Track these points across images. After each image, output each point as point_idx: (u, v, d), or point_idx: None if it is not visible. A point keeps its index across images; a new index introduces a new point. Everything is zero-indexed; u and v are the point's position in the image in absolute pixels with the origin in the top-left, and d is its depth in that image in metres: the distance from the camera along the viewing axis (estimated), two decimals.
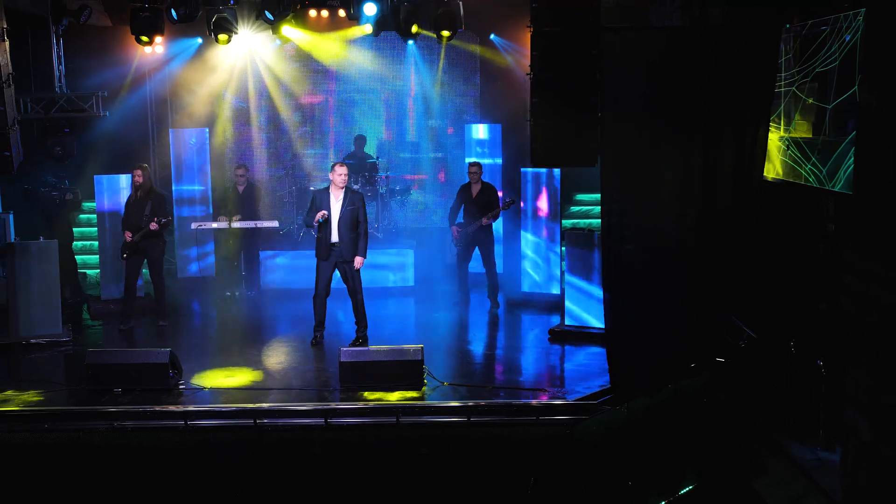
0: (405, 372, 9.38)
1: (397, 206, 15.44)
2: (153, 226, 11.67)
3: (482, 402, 8.90)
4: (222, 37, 12.29)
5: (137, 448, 8.61)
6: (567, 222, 14.48)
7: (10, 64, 9.33)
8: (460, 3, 12.15)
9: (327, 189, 10.76)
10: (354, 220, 10.67)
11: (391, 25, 12.21)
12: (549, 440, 8.63)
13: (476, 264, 12.90)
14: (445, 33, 12.04)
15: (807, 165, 8.44)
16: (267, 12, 10.78)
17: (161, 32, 11.74)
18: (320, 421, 8.68)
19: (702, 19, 11.08)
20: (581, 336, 11.08)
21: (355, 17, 10.88)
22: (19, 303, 11.13)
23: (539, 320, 12.15)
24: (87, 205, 14.45)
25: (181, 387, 9.41)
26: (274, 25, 11.62)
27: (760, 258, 10.16)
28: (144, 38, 11.62)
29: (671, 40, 9.29)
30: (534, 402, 8.94)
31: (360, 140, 15.38)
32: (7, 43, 9.23)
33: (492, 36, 14.89)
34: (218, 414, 8.78)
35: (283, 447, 8.58)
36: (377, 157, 15.35)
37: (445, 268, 13.54)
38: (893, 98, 6.61)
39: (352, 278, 10.81)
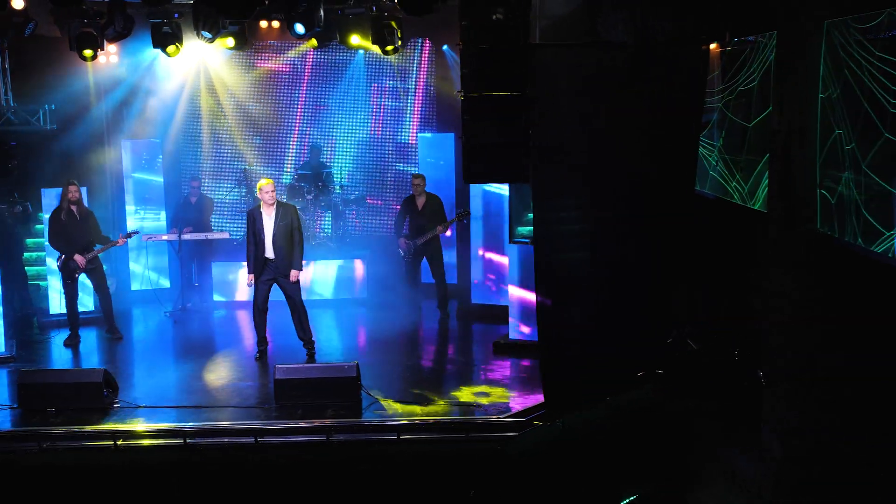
0: (340, 389, 9.41)
1: (351, 216, 15.43)
2: (121, 241, 11.87)
3: (413, 420, 8.91)
4: (171, 49, 12.25)
5: (68, 469, 8.59)
6: (523, 229, 14.47)
7: None
8: (397, 17, 12.11)
9: (260, 207, 10.83)
10: (289, 233, 10.72)
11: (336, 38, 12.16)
12: (482, 457, 8.67)
13: (428, 275, 12.94)
14: (389, 48, 12.04)
15: (732, 182, 8.49)
16: (204, 32, 10.71)
17: (101, 47, 11.65)
18: (250, 440, 8.68)
19: (643, 32, 11.12)
20: (525, 348, 11.09)
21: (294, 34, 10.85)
22: None
23: (489, 331, 12.14)
24: (42, 215, 14.38)
25: (116, 405, 9.40)
26: (214, 42, 11.56)
27: (699, 269, 10.25)
28: (87, 53, 11.55)
29: (602, 57, 9.33)
30: (464, 419, 8.96)
31: (315, 150, 15.38)
32: None
33: (444, 47, 14.88)
34: (148, 434, 8.76)
35: (212, 466, 8.58)
36: (331, 167, 15.35)
37: (398, 278, 13.55)
38: (801, 122, 6.67)
39: (291, 292, 10.82)
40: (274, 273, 10.79)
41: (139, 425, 8.91)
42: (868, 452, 6.29)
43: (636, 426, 9.67)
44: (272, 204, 10.74)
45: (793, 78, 6.81)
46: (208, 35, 10.87)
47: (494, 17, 8.17)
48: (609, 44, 10.06)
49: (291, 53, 15.27)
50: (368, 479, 8.59)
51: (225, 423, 8.92)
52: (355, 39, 11.64)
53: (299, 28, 9.99)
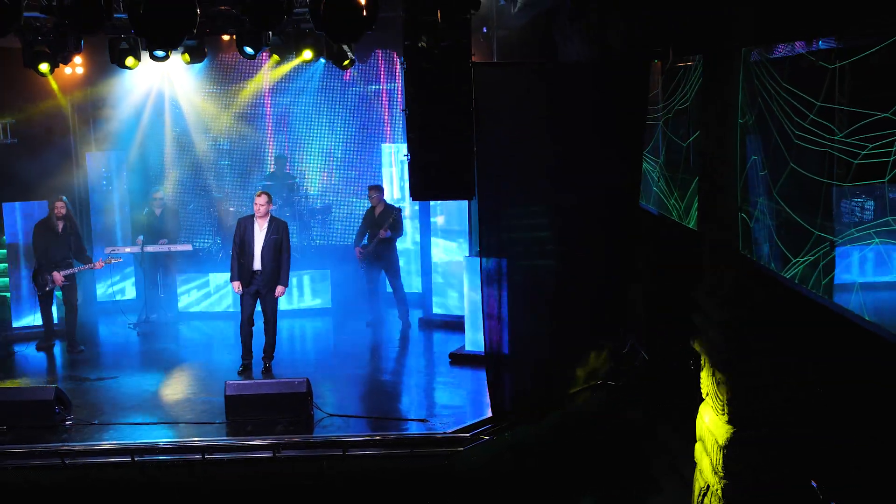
0: (291, 404, 9.49)
1: (317, 226, 15.52)
2: (99, 264, 12.06)
3: (358, 436, 9.01)
4: (129, 62, 12.27)
5: (15, 489, 8.67)
6: None
7: None
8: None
9: (252, 217, 10.89)
10: (277, 248, 10.83)
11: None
12: (428, 472, 8.78)
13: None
14: (346, 62, 12.11)
15: (671, 199, 8.61)
16: (156, 52, 10.76)
17: (58, 63, 11.67)
18: (198, 457, 8.76)
19: (597, 44, 11.24)
20: (481, 359, 11.15)
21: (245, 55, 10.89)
22: None
23: (449, 341, 12.24)
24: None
25: (68, 423, 9.47)
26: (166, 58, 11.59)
27: (648, 282, 10.38)
28: (44, 69, 11.54)
29: (543, 74, 9.48)
30: (410, 434, 9.06)
31: (281, 160, 15.46)
32: None
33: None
34: (95, 452, 8.84)
35: (160, 484, 8.68)
36: (296, 178, 15.43)
37: (363, 288, 13.65)
38: (723, 146, 6.78)
39: (269, 307, 10.94)
40: (258, 285, 10.87)
41: (87, 443, 8.98)
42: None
43: (586, 437, 9.81)
44: (264, 216, 10.84)
45: (716, 101, 6.93)
46: (161, 54, 10.90)
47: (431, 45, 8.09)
48: (548, 62, 10.22)
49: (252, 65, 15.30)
50: (315, 495, 8.70)
51: (173, 440, 9.01)
52: (308, 55, 11.69)
53: (248, 49, 10.04)
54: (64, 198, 12.19)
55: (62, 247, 11.95)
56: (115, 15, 8.97)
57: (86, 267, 12.14)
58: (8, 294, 13.43)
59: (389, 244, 12.76)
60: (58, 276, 11.83)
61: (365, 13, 8.16)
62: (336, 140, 15.82)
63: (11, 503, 8.62)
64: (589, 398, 10.37)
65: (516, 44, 12.89)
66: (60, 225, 11.96)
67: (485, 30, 12.75)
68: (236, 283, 10.92)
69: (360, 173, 15.76)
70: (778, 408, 6.61)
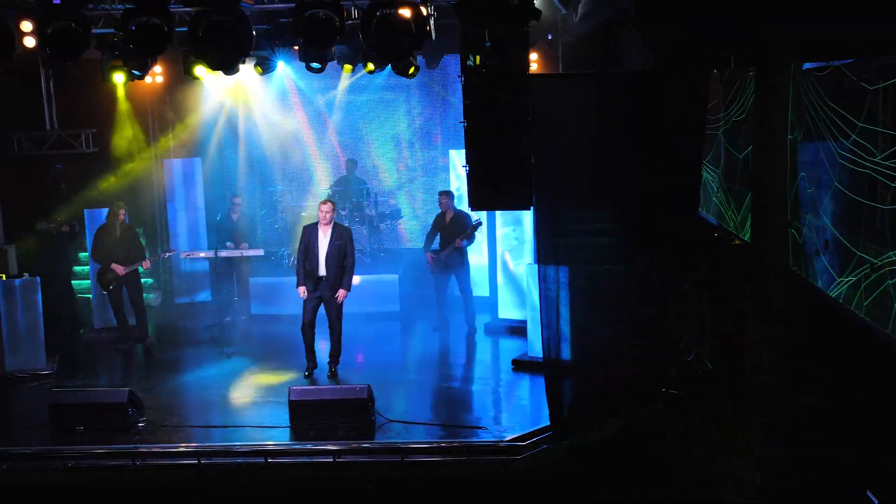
0: (352, 410, 9.70)
1: (386, 230, 15.73)
2: (146, 264, 12.42)
3: (418, 442, 9.16)
4: (199, 71, 12.60)
5: (90, 488, 9.06)
6: None
7: None
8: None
9: (317, 224, 11.16)
10: (341, 254, 11.07)
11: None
12: (483, 480, 8.89)
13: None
14: (410, 70, 12.25)
15: (728, 211, 8.55)
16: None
17: (132, 77, 12.06)
18: (261, 460, 9.03)
19: (659, 51, 11.20)
20: (543, 366, 11.23)
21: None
22: (3, 339, 11.68)
23: (513, 347, 12.34)
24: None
25: (140, 424, 9.85)
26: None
27: (710, 289, 10.29)
28: (117, 81, 11.89)
29: (602, 84, 9.48)
30: (467, 441, 9.18)
31: (351, 164, 15.72)
32: None
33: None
34: (164, 454, 9.19)
35: (224, 487, 8.96)
36: (366, 182, 15.66)
37: (431, 293, 13.81)
38: (775, 161, 6.74)
39: (333, 312, 11.18)
40: (323, 291, 11.13)
41: (157, 445, 9.33)
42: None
43: (645, 447, 9.77)
44: (328, 224, 11.11)
45: (767, 115, 6.88)
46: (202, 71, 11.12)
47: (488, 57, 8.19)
48: (606, 73, 10.21)
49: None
50: (374, 500, 8.88)
51: (238, 444, 9.30)
52: (371, 66, 11.88)
53: (314, 64, 10.27)
54: (122, 203, 12.64)
55: (122, 246, 12.43)
56: (178, 29, 9.32)
57: (136, 265, 12.49)
58: (90, 295, 14.01)
59: (461, 251, 12.90)
60: (118, 267, 12.33)
61: (414, 33, 8.28)
62: (406, 145, 16.00)
63: (86, 501, 8.98)
64: (649, 407, 10.33)
65: (580, 51, 12.89)
66: (118, 227, 12.44)
67: (549, 37, 12.79)
68: (301, 289, 11.17)
69: (430, 178, 15.91)
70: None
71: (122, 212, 12.51)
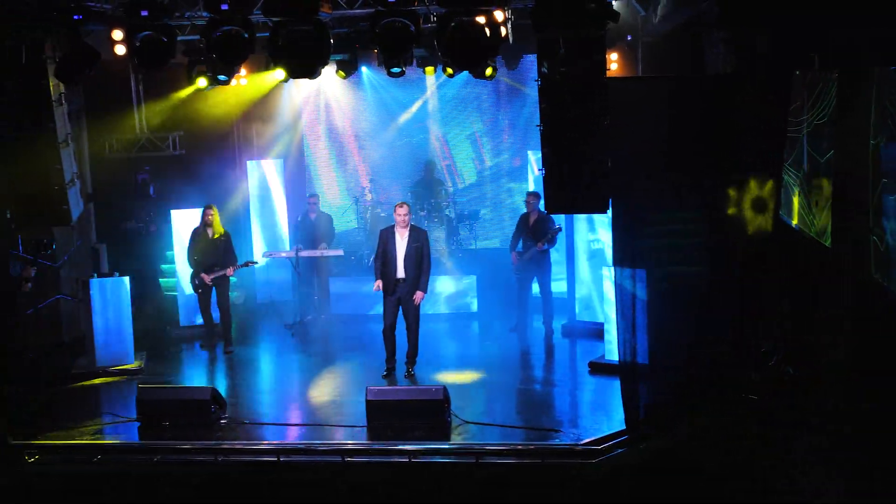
0: (428, 410, 9.79)
1: (464, 231, 15.81)
2: (230, 272, 12.68)
3: (492, 444, 9.21)
4: (279, 74, 12.82)
5: (175, 481, 9.33)
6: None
7: (67, 125, 10.21)
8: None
9: (394, 227, 11.31)
10: (419, 256, 11.20)
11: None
12: (558, 483, 8.90)
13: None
14: (488, 71, 12.28)
15: (810, 215, 8.40)
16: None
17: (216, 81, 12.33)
18: (339, 459, 9.20)
19: (743, 51, 11.05)
20: (619, 369, 11.18)
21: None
22: (95, 335, 12.10)
23: (590, 349, 12.32)
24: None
25: (222, 421, 10.11)
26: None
27: (791, 293, 10.13)
28: (201, 84, 12.20)
29: (680, 88, 9.41)
30: (542, 444, 9.19)
31: (430, 166, 15.83)
32: (64, 106, 10.10)
33: None
34: (246, 451, 9.41)
35: (303, 484, 9.14)
36: (445, 183, 15.76)
37: (509, 293, 13.87)
38: (856, 165, 6.62)
39: (411, 313, 11.32)
40: (401, 293, 11.28)
41: (238, 442, 9.55)
42: None
43: (724, 452, 9.65)
44: (405, 227, 11.26)
45: (849, 120, 6.75)
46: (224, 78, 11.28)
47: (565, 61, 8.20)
48: (686, 77, 10.11)
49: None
50: (448, 501, 8.96)
51: (316, 442, 9.47)
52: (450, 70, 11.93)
53: (394, 69, 10.37)
54: (212, 205, 12.89)
55: (212, 251, 12.71)
56: (260, 34, 9.54)
57: (223, 272, 12.77)
58: (175, 293, 14.40)
59: (544, 253, 12.91)
60: (206, 276, 12.63)
61: (489, 40, 8.33)
62: (483, 145, 16.05)
63: (170, 494, 9.26)
64: (728, 412, 10.20)
65: (661, 51, 12.78)
66: (210, 231, 12.72)
67: (629, 38, 12.70)
68: (378, 283, 11.31)
69: (508, 179, 15.94)
70: None
71: (208, 212, 12.76)
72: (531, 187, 14.47)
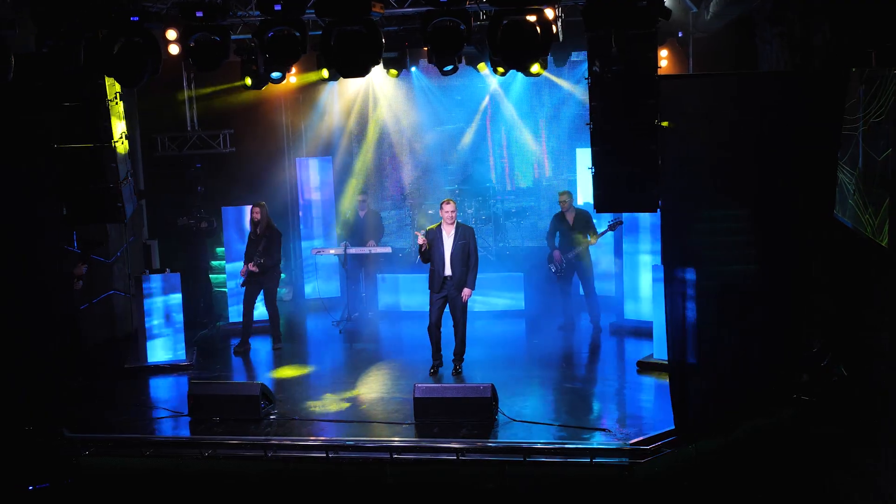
0: (475, 408, 9.82)
1: (511, 229, 15.79)
2: (252, 267, 12.71)
3: (540, 443, 9.19)
4: (327, 73, 12.93)
5: (225, 475, 9.45)
6: None
7: (122, 123, 10.37)
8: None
9: (440, 226, 11.33)
10: (466, 254, 11.22)
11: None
12: (607, 483, 8.87)
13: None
14: (535, 70, 12.23)
15: (865, 214, 8.26)
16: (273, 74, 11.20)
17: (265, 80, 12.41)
18: (387, 456, 9.24)
19: (798, 47, 10.91)
20: (668, 368, 11.09)
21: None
22: (147, 330, 12.28)
23: (638, 348, 12.26)
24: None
25: (272, 417, 10.21)
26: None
27: (847, 293, 9.99)
28: (248, 81, 12.32)
29: (733, 85, 9.31)
30: (590, 444, 9.15)
31: (476, 164, 15.82)
32: (120, 105, 10.27)
33: None
34: (295, 447, 9.49)
35: (351, 480, 9.22)
36: (490, 181, 15.75)
37: (556, 292, 13.84)
38: None
39: (458, 310, 11.34)
40: (448, 290, 11.31)
41: (288, 438, 9.65)
42: None
43: (775, 454, 9.56)
44: (452, 224, 11.29)
45: None
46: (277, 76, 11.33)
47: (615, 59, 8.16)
48: (738, 74, 10.00)
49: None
50: (494, 498, 8.97)
51: (365, 439, 9.53)
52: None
53: (447, 68, 10.34)
54: (259, 203, 12.96)
55: (253, 247, 12.80)
56: (312, 32, 9.62)
57: (251, 268, 12.76)
58: (226, 289, 14.56)
59: (586, 251, 12.86)
60: (250, 266, 12.71)
61: (540, 38, 8.31)
62: (531, 143, 15.99)
63: (221, 488, 9.38)
64: (780, 413, 10.10)
65: (713, 48, 12.67)
66: (258, 229, 12.82)
67: (680, 34, 12.59)
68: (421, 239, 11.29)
69: (555, 176, 15.88)
70: None
71: (254, 210, 12.85)
72: (580, 185, 14.40)
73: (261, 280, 12.83)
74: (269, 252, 12.80)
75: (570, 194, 12.94)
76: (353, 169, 16.14)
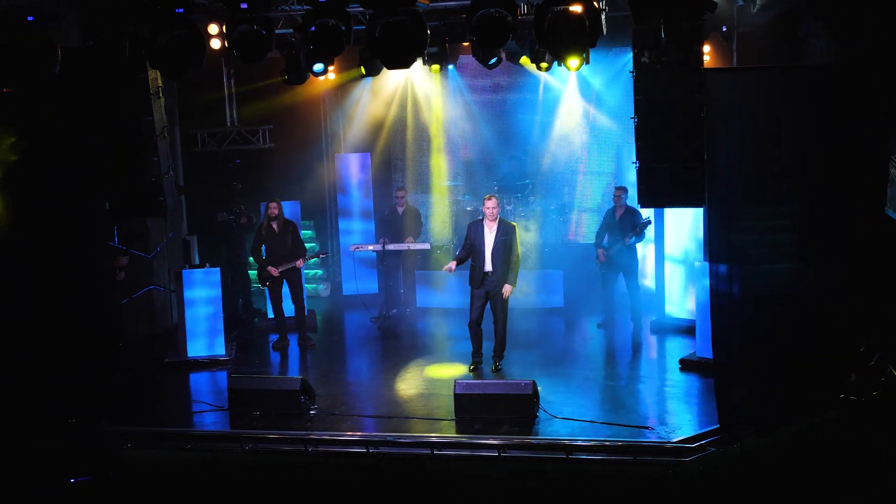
0: (517, 405, 9.73)
1: (551, 226, 15.68)
2: (300, 263, 12.70)
3: (582, 440, 9.10)
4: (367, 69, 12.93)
5: (266, 469, 9.45)
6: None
7: (164, 118, 10.40)
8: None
9: (482, 221, 11.26)
10: (507, 250, 11.12)
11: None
12: (650, 481, 8.76)
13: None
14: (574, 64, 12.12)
15: None
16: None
17: (304, 75, 12.41)
18: (427, 452, 9.19)
19: (845, 40, 10.74)
20: (712, 366, 10.95)
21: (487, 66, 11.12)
22: (186, 325, 12.32)
23: (680, 346, 12.15)
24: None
25: (312, 412, 10.20)
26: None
27: (888, 292, 9.80)
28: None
29: (779, 78, 9.16)
30: (633, 441, 9.04)
31: (514, 160, 15.74)
32: (162, 100, 10.30)
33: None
34: (336, 441, 9.47)
35: (390, 476, 9.17)
36: (531, 178, 15.65)
37: (596, 288, 13.73)
38: None
39: (499, 307, 11.26)
40: (489, 286, 11.23)
41: (328, 433, 9.61)
42: None
43: (822, 455, 9.40)
44: (494, 220, 11.20)
45: None
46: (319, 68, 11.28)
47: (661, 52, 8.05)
48: (786, 66, 9.84)
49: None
50: (536, 496, 8.89)
51: (405, 434, 9.49)
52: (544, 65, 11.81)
53: (492, 62, 10.29)
54: (276, 199, 12.92)
55: (280, 244, 12.74)
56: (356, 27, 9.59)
57: (292, 264, 12.72)
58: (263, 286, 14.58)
59: (631, 248, 12.75)
60: (273, 270, 12.67)
61: (588, 30, 8.22)
62: (572, 139, 15.88)
63: (261, 483, 9.37)
64: (827, 412, 9.92)
65: (758, 42, 12.50)
66: (275, 224, 12.76)
67: (724, 28, 12.43)
68: (452, 263, 11.33)
69: (596, 173, 15.76)
70: None
71: (272, 205, 12.74)
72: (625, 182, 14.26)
73: (285, 277, 12.81)
74: (301, 244, 12.79)
75: (624, 190, 12.80)
76: (391, 164, 16.11)
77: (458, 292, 14.23)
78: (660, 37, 8.27)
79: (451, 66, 14.80)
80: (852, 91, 8.90)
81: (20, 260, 10.33)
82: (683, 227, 12.82)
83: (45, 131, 9.87)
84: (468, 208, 15.52)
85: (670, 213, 12.98)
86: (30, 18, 8.90)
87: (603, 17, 9.66)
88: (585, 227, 15.72)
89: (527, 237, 15.27)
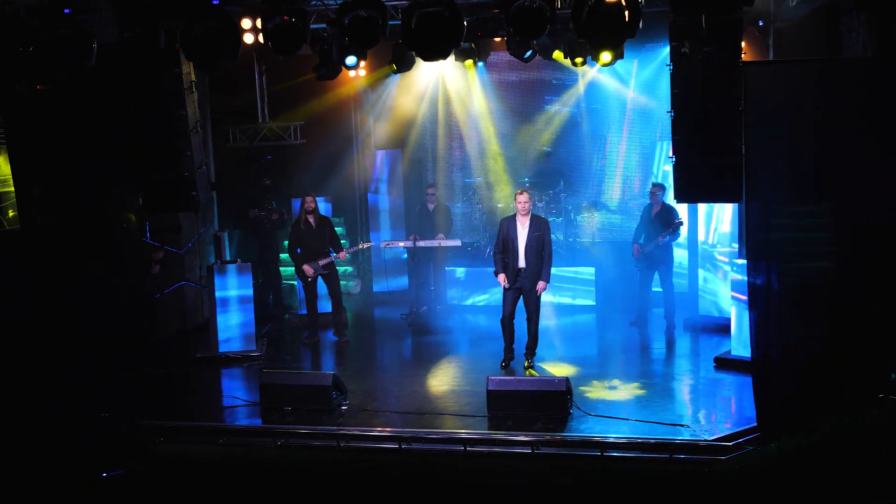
0: (550, 402, 9.65)
1: (583, 223, 15.59)
2: (343, 255, 12.62)
3: (617, 438, 9.00)
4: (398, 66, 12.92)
5: (297, 464, 9.42)
6: None
7: (197, 112, 10.39)
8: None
9: (514, 217, 11.18)
10: (540, 245, 11.02)
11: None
12: (687, 479, 8.65)
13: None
14: (607, 59, 12.00)
15: None
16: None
17: (337, 70, 12.38)
18: (460, 448, 9.12)
19: (885, 34, 10.56)
20: (748, 365, 10.79)
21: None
22: (218, 320, 12.33)
23: (715, 344, 12.02)
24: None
25: (343, 407, 10.16)
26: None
27: None
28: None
29: (819, 71, 9.00)
30: (669, 439, 8.92)
31: (547, 155, 15.65)
32: (196, 95, 10.29)
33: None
34: (368, 437, 9.42)
35: (423, 472, 9.11)
36: (564, 173, 15.57)
37: (628, 286, 13.60)
38: None
39: (532, 304, 11.17)
40: (522, 282, 11.15)
41: (360, 429, 9.57)
42: None
43: (862, 454, 9.24)
44: (526, 215, 11.10)
45: None
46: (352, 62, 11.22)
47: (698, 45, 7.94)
48: (825, 59, 9.68)
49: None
50: (570, 493, 8.79)
51: (438, 431, 9.42)
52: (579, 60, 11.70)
53: (527, 55, 10.20)
54: (311, 193, 12.85)
55: (317, 239, 12.69)
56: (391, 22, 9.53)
57: (335, 256, 12.68)
58: (295, 282, 14.58)
59: (666, 246, 12.63)
60: (307, 268, 12.63)
61: (627, 20, 8.11)
62: (604, 135, 15.77)
63: (292, 478, 9.34)
64: (866, 412, 9.77)
65: (796, 37, 12.33)
66: (312, 219, 12.71)
67: (760, 23, 12.28)
68: (502, 276, 11.16)
69: (629, 169, 15.64)
70: None
71: (308, 199, 12.67)
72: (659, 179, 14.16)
73: (323, 273, 12.78)
74: (337, 239, 12.75)
75: (661, 187, 12.68)
76: (422, 161, 16.06)
77: (489, 289, 14.19)
78: (699, 28, 8.13)
79: (480, 63, 14.72)
80: (891, 85, 8.73)
81: (55, 256, 10.38)
82: (719, 223, 12.67)
83: (79, 125, 9.90)
84: (499, 205, 15.45)
85: (703, 209, 12.84)
86: (66, 11, 8.92)
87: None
88: (618, 224, 15.58)
89: (557, 234, 15.20)
